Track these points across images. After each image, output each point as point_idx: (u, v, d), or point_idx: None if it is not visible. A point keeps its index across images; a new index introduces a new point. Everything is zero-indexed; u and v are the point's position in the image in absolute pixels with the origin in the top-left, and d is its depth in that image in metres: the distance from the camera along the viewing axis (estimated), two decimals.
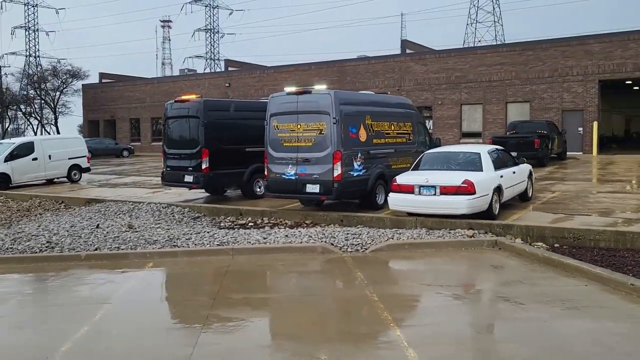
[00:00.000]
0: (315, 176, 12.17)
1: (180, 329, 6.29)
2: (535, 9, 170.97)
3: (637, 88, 36.54)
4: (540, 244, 9.71)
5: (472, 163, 11.64)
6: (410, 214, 11.81)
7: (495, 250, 9.39)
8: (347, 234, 10.28)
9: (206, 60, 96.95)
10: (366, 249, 9.49)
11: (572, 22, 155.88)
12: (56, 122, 52.20)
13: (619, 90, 35.18)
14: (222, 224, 12.79)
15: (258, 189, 15.70)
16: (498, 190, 11.45)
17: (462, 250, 9.40)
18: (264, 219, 12.97)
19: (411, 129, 14.78)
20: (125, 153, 42.31)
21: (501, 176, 11.75)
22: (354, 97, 13.40)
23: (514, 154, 14.78)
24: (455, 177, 11.00)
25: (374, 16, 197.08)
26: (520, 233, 10.11)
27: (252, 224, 12.67)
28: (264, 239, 9.98)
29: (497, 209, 11.43)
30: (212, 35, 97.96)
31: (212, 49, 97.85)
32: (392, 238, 9.91)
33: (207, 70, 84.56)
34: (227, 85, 41.51)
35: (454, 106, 32.82)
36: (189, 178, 14.98)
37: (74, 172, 22.64)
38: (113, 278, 8.66)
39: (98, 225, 11.36)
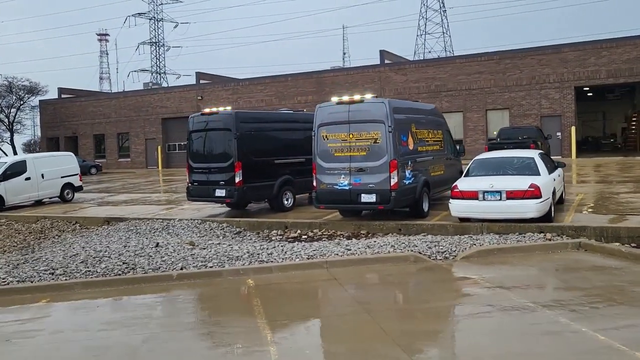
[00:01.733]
0: (371, 185, 12.04)
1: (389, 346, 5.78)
2: (478, 20, 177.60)
3: (591, 95, 38.21)
4: (616, 244, 9.92)
5: (529, 167, 11.80)
6: (462, 220, 11.87)
7: (582, 251, 9.51)
8: (425, 242, 10.18)
9: (152, 73, 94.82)
10: (455, 256, 9.41)
11: (517, 34, 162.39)
12: (12, 141, 49.71)
13: (578, 97, 36.69)
14: (273, 238, 12.45)
15: (286, 202, 15.44)
16: (553, 193, 11.69)
17: (551, 253, 9.45)
18: (314, 230, 12.71)
19: (442, 137, 14.91)
20: (93, 170, 40.70)
21: (554, 179, 12.04)
22: (403, 105, 13.38)
23: None
24: (519, 182, 11.11)
25: (319, 29, 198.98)
26: (594, 234, 10.32)
27: (306, 236, 12.40)
28: (348, 250, 9.77)
29: (553, 212, 11.65)
30: (157, 48, 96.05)
31: (158, 62, 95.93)
32: (475, 244, 9.90)
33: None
34: (199, 98, 40.73)
35: None
36: (220, 192, 14.51)
37: (67, 191, 21.63)
38: (226, 295, 8.22)
39: (157, 244, 10.83)
